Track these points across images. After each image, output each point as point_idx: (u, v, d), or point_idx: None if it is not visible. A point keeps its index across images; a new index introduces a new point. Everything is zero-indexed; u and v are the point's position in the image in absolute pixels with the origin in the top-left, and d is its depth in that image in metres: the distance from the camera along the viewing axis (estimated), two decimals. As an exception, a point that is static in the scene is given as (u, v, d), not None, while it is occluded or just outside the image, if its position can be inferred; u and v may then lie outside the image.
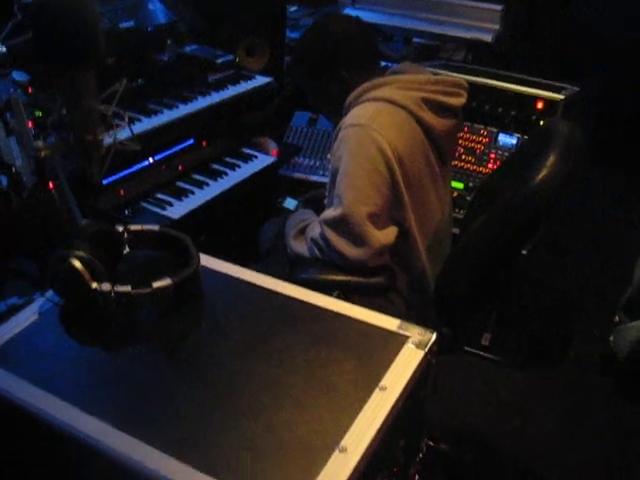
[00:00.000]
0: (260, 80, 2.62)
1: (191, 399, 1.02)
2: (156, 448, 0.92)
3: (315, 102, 1.97)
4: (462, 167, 2.53)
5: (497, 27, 2.80)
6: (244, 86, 2.54)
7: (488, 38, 2.79)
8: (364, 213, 1.64)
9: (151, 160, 2.28)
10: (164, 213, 2.08)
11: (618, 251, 3.23)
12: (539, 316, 2.88)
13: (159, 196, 2.15)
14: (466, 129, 2.51)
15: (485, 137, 2.49)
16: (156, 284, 1.17)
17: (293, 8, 3.53)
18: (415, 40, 3.36)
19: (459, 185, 2.51)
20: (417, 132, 1.72)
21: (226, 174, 2.33)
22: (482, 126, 2.49)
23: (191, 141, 2.44)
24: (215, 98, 2.41)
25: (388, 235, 1.70)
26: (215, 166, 2.37)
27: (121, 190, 2.12)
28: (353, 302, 1.78)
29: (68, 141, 1.27)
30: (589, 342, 2.79)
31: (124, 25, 2.27)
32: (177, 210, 2.10)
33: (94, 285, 1.14)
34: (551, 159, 1.51)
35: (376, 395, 1.03)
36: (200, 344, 1.16)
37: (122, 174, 2.18)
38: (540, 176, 1.47)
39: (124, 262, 1.28)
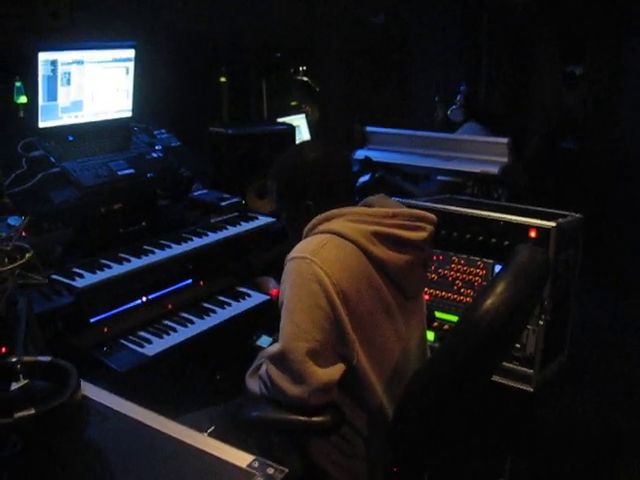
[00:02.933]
0: (262, 221, 2.70)
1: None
2: None
3: (284, 223, 1.96)
4: (461, 300, 2.44)
5: (505, 160, 2.78)
6: (243, 227, 2.62)
7: (495, 170, 2.77)
8: (303, 349, 1.57)
9: (144, 299, 2.35)
10: (141, 350, 2.10)
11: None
12: (563, 461, 2.60)
13: (141, 333, 2.19)
14: (463, 262, 2.44)
15: (482, 269, 2.40)
16: (19, 414, 1.16)
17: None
18: (439, 178, 3.39)
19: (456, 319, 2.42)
20: (366, 266, 1.66)
21: (214, 312, 2.36)
22: (478, 258, 2.41)
23: (189, 281, 2.50)
24: (210, 239, 2.49)
25: (332, 372, 1.61)
26: (205, 304, 2.40)
27: (106, 328, 2.18)
28: (310, 443, 1.72)
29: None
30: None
31: (124, 172, 2.43)
32: (154, 347, 2.12)
33: (-43, 414, 1.15)
34: (500, 287, 1.48)
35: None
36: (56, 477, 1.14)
37: (111, 312, 2.24)
38: (486, 304, 1.43)
39: (11, 393, 1.29)
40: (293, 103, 5.97)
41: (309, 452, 1.74)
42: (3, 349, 1.53)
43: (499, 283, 1.52)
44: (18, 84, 4.82)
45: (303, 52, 5.62)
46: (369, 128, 3.46)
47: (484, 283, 2.39)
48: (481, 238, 2.37)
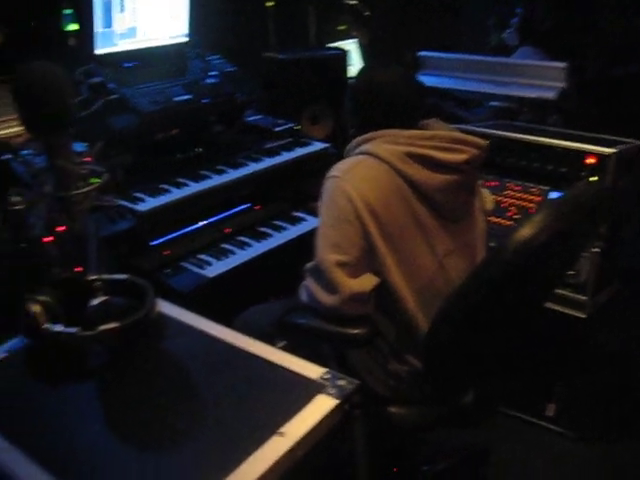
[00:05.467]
0: (317, 146, 2.71)
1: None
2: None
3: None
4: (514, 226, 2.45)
5: (561, 85, 2.72)
6: (298, 152, 2.64)
7: (551, 95, 2.71)
8: (333, 260, 1.70)
9: (201, 223, 2.41)
10: (201, 272, 2.18)
11: None
12: (614, 386, 2.64)
13: (200, 256, 2.26)
14: (518, 188, 2.43)
15: (537, 196, 2.39)
16: (103, 327, 1.24)
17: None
18: (492, 103, 3.33)
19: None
20: (398, 185, 1.74)
21: (270, 236, 2.41)
22: (533, 185, 2.40)
23: (245, 205, 2.55)
24: (265, 164, 2.52)
25: (363, 283, 1.72)
26: (261, 228, 2.46)
27: (167, 251, 2.25)
28: (348, 353, 1.81)
29: (45, 197, 1.40)
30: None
31: (181, 99, 2.45)
32: (214, 269, 2.19)
33: (45, 326, 1.24)
34: (538, 216, 1.46)
35: (273, 440, 1.02)
36: (138, 384, 1.22)
37: (171, 236, 2.32)
38: (519, 233, 1.42)
39: (90, 308, 1.37)
40: (341, 27, 5.87)
41: (348, 362, 1.84)
42: (79, 268, 1.61)
43: (539, 212, 1.51)
44: (68, 11, 4.84)
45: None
46: (421, 53, 3.40)
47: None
48: (537, 165, 2.35)
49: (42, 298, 1.27)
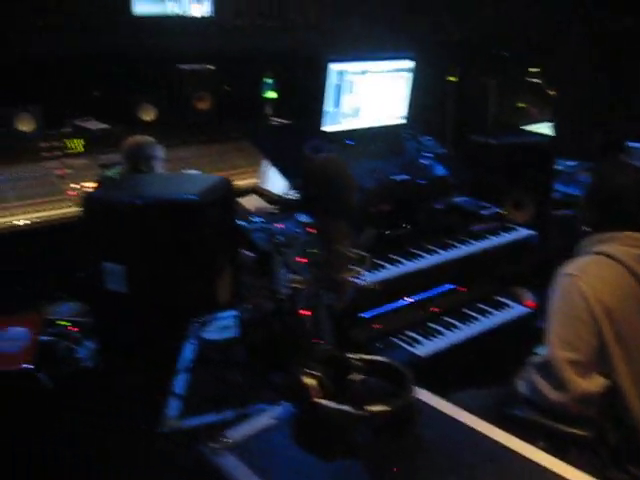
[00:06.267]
0: (522, 233, 2.72)
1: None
2: None
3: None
4: None
5: None
6: (505, 237, 2.66)
7: None
8: (565, 358, 1.70)
9: (410, 300, 2.47)
10: (411, 350, 2.23)
11: None
12: None
13: (409, 333, 2.31)
14: None
15: None
16: (373, 408, 1.31)
17: (571, 162, 3.60)
18: None
19: None
20: (632, 287, 1.75)
21: (476, 319, 2.43)
22: None
23: (449, 286, 2.59)
24: (474, 247, 2.56)
25: (592, 384, 1.70)
26: (466, 310, 2.48)
27: (376, 324, 2.32)
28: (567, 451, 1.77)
29: (321, 277, 1.51)
30: None
31: (399, 178, 2.56)
32: (425, 349, 2.23)
33: (317, 400, 1.32)
34: None
35: None
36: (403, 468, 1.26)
37: (380, 310, 2.39)
38: None
39: (352, 386, 1.44)
40: (521, 105, 5.87)
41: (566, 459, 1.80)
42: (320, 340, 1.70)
43: None
44: (269, 80, 5.20)
45: (537, 52, 5.50)
46: (631, 144, 3.33)
47: None
48: None
49: (315, 372, 1.36)
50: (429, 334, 2.31)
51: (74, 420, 2.10)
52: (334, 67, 2.52)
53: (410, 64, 2.71)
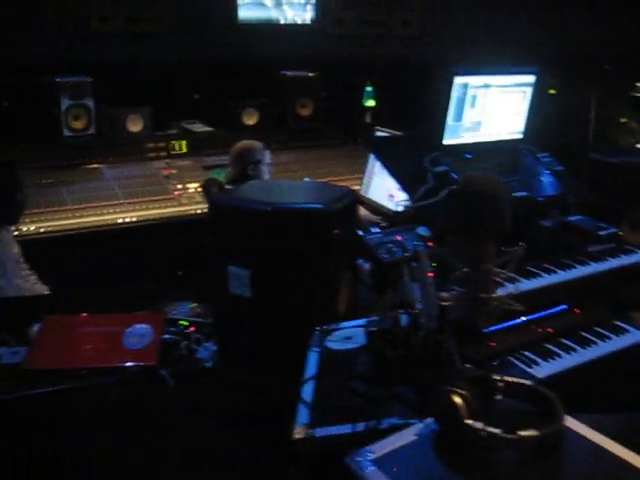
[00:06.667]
0: (642, 255, 2.63)
1: None
2: None
3: None
4: None
5: None
6: (623, 260, 2.58)
7: None
8: None
9: (524, 319, 2.42)
10: (529, 370, 2.18)
11: None
12: None
13: (526, 353, 2.27)
14: None
15: None
16: (522, 433, 1.29)
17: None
18: None
19: None
20: None
21: (595, 343, 2.36)
22: None
23: (564, 306, 2.53)
24: (593, 269, 2.49)
25: None
26: (584, 334, 2.41)
27: (493, 342, 2.29)
28: None
29: (467, 295, 1.50)
30: None
31: (518, 194, 2.52)
32: (542, 370, 2.18)
33: (468, 421, 1.31)
34: None
35: None
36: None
37: (496, 327, 2.35)
38: None
39: (495, 407, 1.43)
40: (623, 120, 5.71)
41: None
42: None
43: None
44: (369, 88, 5.21)
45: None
46: None
47: None
48: None
49: (463, 392, 1.35)
50: (547, 355, 2.27)
51: (192, 420, 2.17)
52: (458, 80, 2.51)
53: (531, 79, 2.67)
